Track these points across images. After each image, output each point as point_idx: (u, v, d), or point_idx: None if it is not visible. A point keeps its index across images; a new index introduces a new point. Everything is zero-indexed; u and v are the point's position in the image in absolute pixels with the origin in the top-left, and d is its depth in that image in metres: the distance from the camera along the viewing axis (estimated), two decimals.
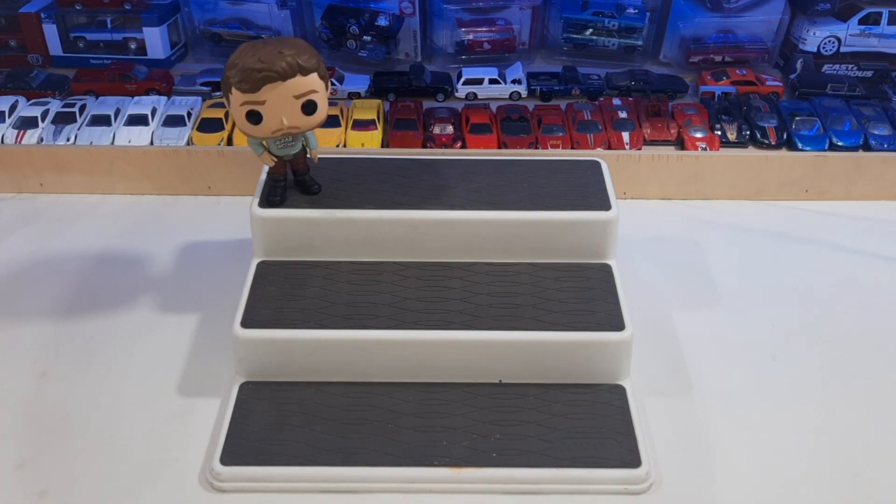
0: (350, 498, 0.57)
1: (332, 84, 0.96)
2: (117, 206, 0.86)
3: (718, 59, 1.02)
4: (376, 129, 0.89)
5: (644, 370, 0.65)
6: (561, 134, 0.89)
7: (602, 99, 0.96)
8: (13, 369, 0.67)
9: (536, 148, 0.88)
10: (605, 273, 0.66)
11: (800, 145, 0.88)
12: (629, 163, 0.86)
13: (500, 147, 0.88)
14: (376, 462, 0.57)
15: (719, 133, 0.89)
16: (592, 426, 0.59)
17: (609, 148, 0.88)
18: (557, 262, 0.67)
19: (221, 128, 0.88)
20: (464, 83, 0.98)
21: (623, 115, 0.91)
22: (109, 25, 1.01)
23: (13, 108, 0.91)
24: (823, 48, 1.00)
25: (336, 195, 0.67)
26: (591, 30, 1.03)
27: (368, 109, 0.91)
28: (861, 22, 0.99)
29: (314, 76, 0.58)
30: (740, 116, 0.91)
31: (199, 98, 0.94)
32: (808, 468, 0.59)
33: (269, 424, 0.59)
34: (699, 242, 0.82)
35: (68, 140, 0.87)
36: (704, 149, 0.87)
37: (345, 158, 0.72)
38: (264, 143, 0.62)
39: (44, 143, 0.87)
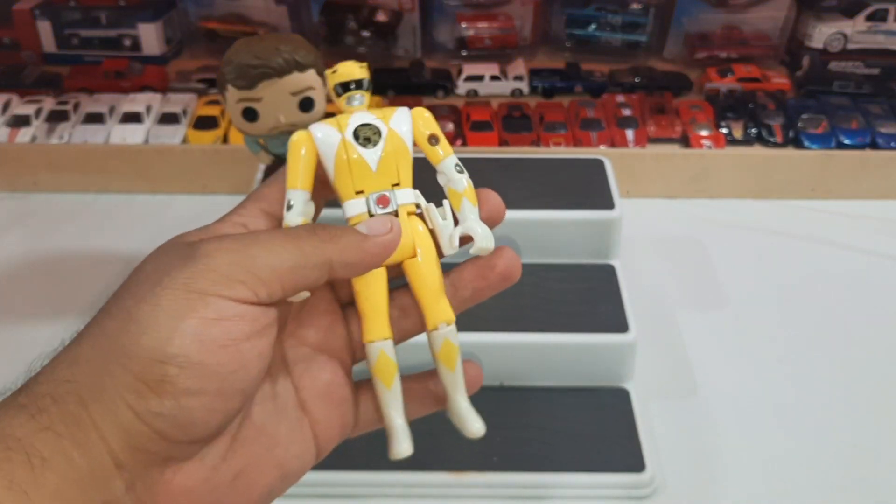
0: (348, 503, 0.56)
1: None
2: (111, 205, 0.85)
3: (724, 55, 1.01)
4: None
5: (648, 372, 0.64)
6: (563, 131, 0.88)
7: (605, 96, 0.95)
8: (6, 372, 0.66)
9: (538, 146, 0.87)
10: (608, 273, 0.65)
11: (806, 143, 0.87)
12: (633, 161, 0.85)
13: (501, 145, 0.87)
14: (375, 467, 0.56)
15: (725, 131, 0.88)
16: (595, 430, 0.58)
17: (612, 146, 0.87)
18: (560, 263, 0.66)
19: (217, 125, 0.87)
20: (464, 80, 0.97)
21: (627, 112, 0.90)
22: (104, 22, 1.00)
23: (6, 105, 0.90)
24: (830, 45, 0.99)
25: None
26: (594, 25, 1.02)
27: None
28: (868, 18, 0.98)
29: (311, 72, 0.57)
30: (746, 114, 0.90)
31: (195, 95, 0.93)
32: (815, 472, 0.58)
33: None
34: (704, 242, 0.81)
35: (62, 138, 0.86)
36: (710, 147, 0.86)
37: None
38: (261, 141, 0.61)
39: (37, 141, 0.86)
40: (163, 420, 0.26)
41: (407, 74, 0.97)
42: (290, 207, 0.32)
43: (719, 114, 0.90)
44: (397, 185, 0.32)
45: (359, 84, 0.32)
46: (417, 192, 0.32)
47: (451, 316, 0.33)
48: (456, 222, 0.32)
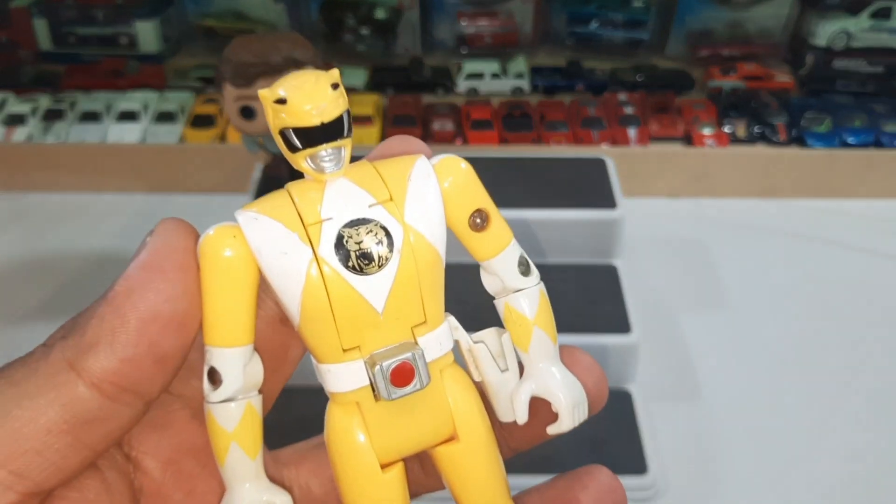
0: None
1: None
2: (108, 204, 0.85)
3: (726, 53, 1.00)
4: (374, 124, 0.87)
5: (651, 374, 0.63)
6: (564, 130, 0.87)
7: (607, 94, 0.94)
8: None
9: (539, 144, 0.86)
10: (610, 274, 0.64)
11: (810, 142, 0.86)
12: (635, 160, 0.84)
13: (501, 143, 0.86)
14: None
15: (728, 129, 0.87)
16: (597, 432, 0.57)
17: (614, 144, 0.86)
18: (561, 263, 0.65)
19: (214, 124, 0.86)
20: (465, 78, 0.96)
21: (628, 110, 0.89)
22: (101, 20, 0.99)
23: (2, 104, 0.89)
24: (833, 43, 0.98)
25: None
26: (595, 23, 1.01)
27: (366, 105, 0.89)
28: (872, 16, 0.97)
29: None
30: (749, 113, 0.89)
31: (192, 93, 0.92)
32: (818, 475, 0.58)
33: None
34: (707, 241, 0.80)
35: (58, 137, 0.86)
36: (712, 146, 0.85)
37: None
38: (259, 139, 0.61)
39: (33, 139, 0.86)
40: None
41: (407, 72, 0.97)
42: (214, 380, 0.18)
43: (722, 112, 0.89)
44: (422, 323, 0.18)
45: (333, 130, 0.16)
46: (452, 319, 0.19)
47: None
48: (521, 368, 0.19)
